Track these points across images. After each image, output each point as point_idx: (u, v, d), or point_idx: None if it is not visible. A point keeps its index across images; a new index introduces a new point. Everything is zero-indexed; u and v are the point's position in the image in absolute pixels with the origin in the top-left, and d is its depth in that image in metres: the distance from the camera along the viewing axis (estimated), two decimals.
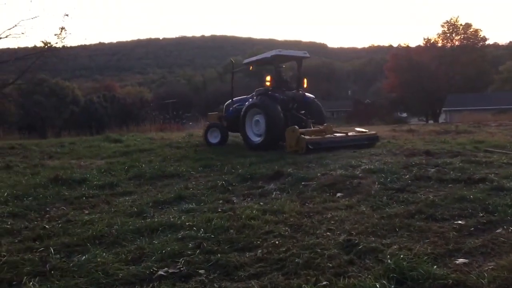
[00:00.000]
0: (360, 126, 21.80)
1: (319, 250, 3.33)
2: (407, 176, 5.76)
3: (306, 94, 11.56)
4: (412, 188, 5.18)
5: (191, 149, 11.15)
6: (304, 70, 12.12)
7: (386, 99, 58.55)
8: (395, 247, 3.34)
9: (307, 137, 9.47)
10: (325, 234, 3.74)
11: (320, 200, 4.98)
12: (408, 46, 61.67)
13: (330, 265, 3.06)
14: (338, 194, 5.20)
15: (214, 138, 12.03)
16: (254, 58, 12.59)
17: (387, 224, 3.91)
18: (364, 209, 4.47)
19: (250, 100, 11.38)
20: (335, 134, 10.35)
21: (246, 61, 12.96)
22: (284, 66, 12.20)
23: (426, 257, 3.07)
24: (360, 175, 6.01)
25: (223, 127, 12.25)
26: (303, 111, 11.20)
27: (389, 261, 2.99)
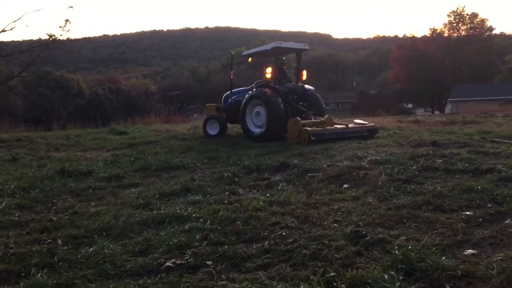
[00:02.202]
0: (365, 117, 21.74)
1: (326, 241, 3.32)
2: (414, 167, 5.73)
3: (306, 86, 11.60)
4: (419, 179, 5.16)
5: (196, 140, 11.14)
6: (308, 61, 12.34)
7: (392, 90, 58.29)
8: (403, 238, 3.32)
9: (309, 128, 9.53)
10: (332, 226, 3.73)
11: (327, 191, 4.97)
12: (413, 36, 61.31)
13: (338, 256, 3.05)
14: (345, 186, 5.19)
15: (213, 130, 12.04)
16: (254, 50, 12.63)
17: (394, 215, 3.89)
18: (371, 200, 4.46)
19: (250, 91, 11.39)
20: (335, 125, 10.48)
21: (245, 53, 12.92)
22: (284, 58, 12.19)
23: (434, 248, 3.06)
24: (366, 166, 5.98)
25: (221, 119, 12.24)
26: (302, 103, 11.27)
27: (397, 252, 2.98)
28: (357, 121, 11.61)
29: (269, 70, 11.20)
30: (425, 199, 4.29)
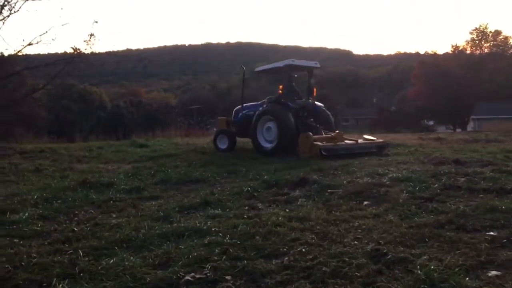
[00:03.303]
0: (385, 134, 21.56)
1: (346, 259, 3.29)
2: (436, 185, 5.65)
3: (316, 103, 11.89)
4: (441, 198, 5.08)
5: (215, 154, 11.21)
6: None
7: (412, 107, 57.73)
8: (425, 257, 3.27)
9: (320, 143, 9.75)
10: (352, 243, 3.69)
11: (347, 208, 4.93)
12: (435, 53, 60.76)
13: (358, 274, 3.02)
14: (365, 202, 5.14)
15: (222, 144, 12.26)
16: (267, 67, 12.92)
17: (416, 234, 3.83)
18: (392, 218, 4.40)
19: (262, 107, 11.66)
20: (346, 141, 10.66)
21: (258, 69, 13.30)
22: (296, 75, 12.58)
23: (457, 269, 3.00)
24: (387, 183, 5.93)
25: (231, 134, 12.46)
26: (312, 119, 11.55)
27: (419, 271, 2.93)
28: (366, 136, 11.80)
29: (281, 86, 11.52)
30: (448, 218, 4.22)
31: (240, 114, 12.62)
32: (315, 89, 12.07)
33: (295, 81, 12.43)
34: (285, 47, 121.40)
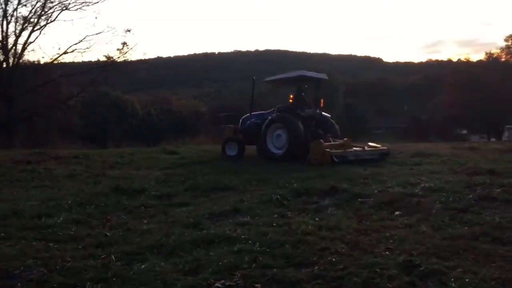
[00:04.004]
0: (417, 142, 21.19)
1: (378, 269, 3.24)
2: (470, 196, 5.52)
3: (323, 113, 12.53)
4: (476, 209, 4.97)
5: (245, 162, 11.24)
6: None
7: (445, 115, 56.54)
8: (459, 270, 3.20)
9: (331, 150, 10.25)
10: (384, 254, 3.63)
11: (378, 218, 4.86)
12: (468, 61, 59.47)
13: (390, 286, 2.98)
14: (397, 213, 5.06)
15: (232, 151, 12.54)
16: (279, 77, 13.37)
17: (450, 246, 3.75)
18: (425, 229, 4.32)
19: (272, 115, 12.04)
20: (353, 148, 11.17)
21: (268, 79, 13.62)
22: (306, 86, 13.03)
23: (493, 282, 2.94)
24: (419, 193, 5.83)
25: (240, 140, 12.78)
26: (319, 128, 12.05)
27: (453, 284, 2.88)
28: (370, 144, 12.21)
29: (291, 96, 12.21)
30: (483, 230, 4.11)
31: (248, 122, 13.02)
32: (322, 100, 12.66)
33: (305, 91, 12.86)
34: (313, 54, 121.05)
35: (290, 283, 3.12)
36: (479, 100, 49.72)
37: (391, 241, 3.98)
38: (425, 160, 10.33)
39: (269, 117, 11.97)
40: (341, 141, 11.27)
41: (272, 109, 12.75)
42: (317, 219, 4.88)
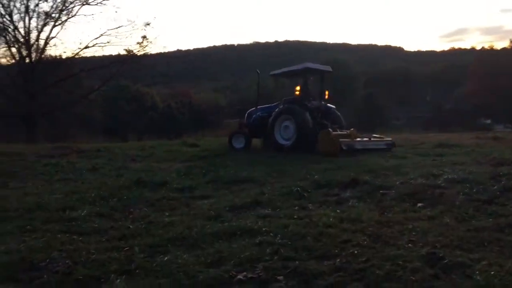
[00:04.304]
0: (439, 133, 20.86)
1: (400, 262, 3.21)
2: (495, 187, 5.41)
3: (328, 104, 12.84)
4: (501, 200, 4.87)
5: (265, 154, 11.24)
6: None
7: (468, 105, 55.51)
8: (484, 262, 3.15)
9: (341, 139, 10.61)
10: (406, 246, 3.60)
11: (400, 209, 4.81)
12: (492, 49, 58.17)
13: (414, 278, 2.95)
14: (419, 204, 5.00)
15: (238, 144, 12.78)
16: (284, 70, 13.54)
17: (474, 238, 3.70)
18: (448, 220, 4.26)
19: (279, 107, 12.33)
20: (359, 138, 11.48)
21: (273, 72, 13.80)
22: (312, 78, 13.32)
23: None
24: (442, 184, 5.74)
25: (247, 134, 13.06)
26: (324, 120, 12.27)
27: (478, 277, 2.83)
28: (375, 135, 12.56)
29: (298, 88, 12.35)
30: (508, 222, 4.04)
31: (254, 116, 13.30)
32: (327, 92, 12.91)
33: (310, 84, 13.15)
34: (333, 44, 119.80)
35: (312, 276, 3.11)
36: (503, 88, 48.69)
37: (414, 233, 3.93)
38: (448, 151, 10.20)
39: (277, 109, 12.22)
40: (347, 131, 11.53)
41: (278, 102, 13.02)
42: (338, 211, 4.85)
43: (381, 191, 5.71)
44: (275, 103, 13.17)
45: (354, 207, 5.03)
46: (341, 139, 10.61)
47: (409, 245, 3.62)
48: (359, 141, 11.21)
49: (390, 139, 12.03)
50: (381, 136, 12.33)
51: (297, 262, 3.33)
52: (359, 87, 62.83)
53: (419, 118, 58.47)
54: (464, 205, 4.75)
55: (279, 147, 11.75)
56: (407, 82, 71.07)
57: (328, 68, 13.39)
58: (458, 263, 3.15)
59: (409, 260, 3.24)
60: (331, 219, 4.41)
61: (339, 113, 12.90)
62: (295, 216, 4.67)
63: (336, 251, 3.56)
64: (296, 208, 5.14)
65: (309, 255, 3.51)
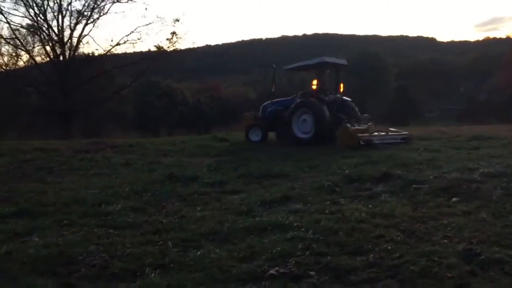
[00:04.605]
0: (474, 125, 20.32)
1: (436, 258, 3.16)
2: None
3: (344, 97, 12.84)
4: None
5: (295, 148, 11.20)
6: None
7: (504, 96, 53.80)
8: None
9: (359, 134, 10.79)
10: (441, 242, 3.54)
11: (434, 204, 4.72)
12: None
13: (450, 275, 2.90)
14: (454, 199, 4.89)
15: (255, 136, 13.02)
16: (300, 64, 13.65)
17: None
18: (485, 216, 4.16)
19: (296, 101, 12.44)
20: (378, 132, 11.64)
21: (289, 66, 14.15)
22: (328, 72, 13.36)
23: None
24: (478, 179, 5.61)
25: (263, 126, 13.18)
26: (341, 113, 12.28)
27: None
28: (391, 129, 12.57)
29: (315, 82, 12.60)
30: None
31: (269, 109, 13.38)
32: (342, 85, 13.06)
33: (327, 77, 13.31)
34: (363, 36, 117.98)
35: (344, 271, 3.10)
36: None
37: (449, 228, 3.86)
38: (484, 144, 9.93)
39: (295, 103, 12.30)
40: (366, 126, 11.73)
41: (293, 95, 13.16)
42: (370, 206, 4.80)
43: (414, 186, 5.61)
44: (290, 97, 13.29)
45: (387, 202, 4.97)
46: (359, 134, 10.81)
47: (445, 241, 3.56)
48: (376, 135, 11.33)
49: (407, 132, 12.09)
50: (398, 130, 12.42)
51: (329, 257, 3.32)
52: (391, 79, 61.80)
53: (452, 110, 57.14)
54: (501, 200, 4.63)
55: (297, 140, 11.86)
56: (440, 74, 69.45)
57: (343, 61, 13.55)
58: (495, 260, 3.08)
59: (444, 256, 3.18)
60: (363, 214, 4.37)
61: (355, 106, 12.92)
62: (327, 211, 4.65)
63: (369, 246, 3.53)
64: (328, 203, 5.11)
65: (341, 250, 3.49)
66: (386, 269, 3.09)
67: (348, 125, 11.28)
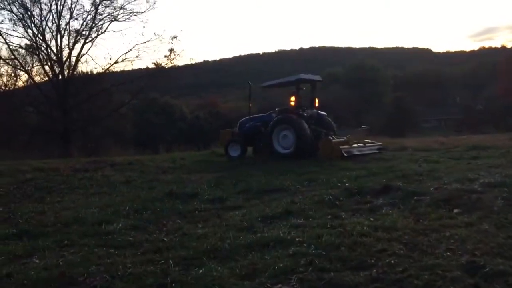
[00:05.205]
0: (471, 135, 20.38)
1: (439, 271, 3.14)
2: None
3: (319, 112, 13.32)
4: None
5: (294, 162, 11.17)
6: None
7: (501, 105, 53.98)
8: None
9: (341, 146, 11.33)
10: (445, 254, 3.51)
11: (436, 216, 4.69)
12: None
13: None
14: (456, 210, 4.88)
15: (234, 152, 13.15)
16: (278, 81, 14.03)
17: None
18: (487, 227, 4.13)
19: (275, 117, 12.71)
20: (355, 144, 12.18)
21: (266, 84, 14.45)
22: (304, 88, 13.56)
23: None
24: (479, 189, 5.59)
25: (241, 142, 13.34)
26: (318, 127, 12.74)
27: None
28: (366, 140, 13.18)
29: (293, 98, 12.75)
30: None
31: (247, 125, 13.62)
32: (317, 100, 13.47)
33: (302, 93, 13.53)
34: (359, 49, 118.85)
35: (348, 287, 3.07)
36: None
37: (451, 241, 3.84)
38: (483, 154, 9.95)
39: (275, 119, 12.61)
40: (344, 138, 12.34)
41: (270, 111, 13.60)
42: (372, 219, 4.78)
43: (415, 198, 5.59)
44: (267, 113, 13.73)
45: (388, 215, 4.94)
46: (341, 146, 11.34)
47: (448, 253, 3.54)
48: (356, 147, 11.94)
49: (380, 143, 12.95)
50: (373, 141, 13.07)
51: (332, 273, 3.29)
52: (388, 91, 62.04)
53: (449, 120, 57.27)
54: (503, 210, 4.61)
55: (278, 155, 12.12)
56: (436, 84, 69.81)
57: (318, 77, 13.91)
58: (499, 272, 3.06)
59: (448, 269, 3.16)
60: (365, 228, 4.34)
61: (330, 120, 13.48)
62: (328, 226, 4.62)
63: (372, 261, 3.50)
64: (329, 217, 5.09)
65: (344, 265, 3.47)
66: (389, 283, 3.07)
67: (330, 137, 11.88)
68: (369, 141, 13.11)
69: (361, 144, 12.33)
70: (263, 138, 12.78)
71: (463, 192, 5.51)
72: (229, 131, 14.56)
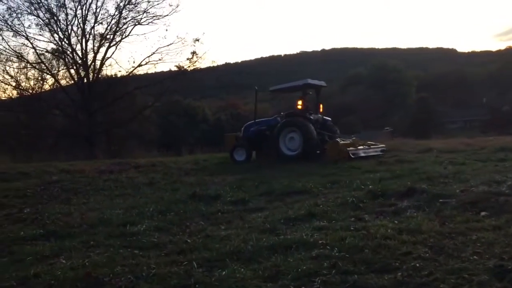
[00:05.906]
0: (498, 136, 19.92)
1: (466, 275, 3.08)
2: None
3: (324, 117, 13.65)
4: None
5: (316, 164, 11.15)
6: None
7: None
8: None
9: (347, 148, 11.76)
10: (471, 258, 3.45)
11: (462, 219, 4.61)
12: None
13: None
14: (482, 213, 4.78)
15: (240, 156, 13.13)
16: (284, 86, 14.29)
17: None
18: None
19: (282, 120, 13.00)
20: (360, 146, 12.55)
21: (274, 88, 14.78)
22: (310, 93, 14.02)
23: None
24: (506, 191, 5.47)
25: (248, 146, 13.37)
26: (323, 131, 13.10)
27: None
28: (369, 142, 13.49)
29: (300, 102, 13.20)
30: None
31: (252, 129, 13.80)
32: (321, 105, 13.85)
33: (308, 98, 13.94)
34: (382, 50, 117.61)
35: None
36: None
37: (478, 244, 3.77)
38: (511, 155, 9.71)
39: (282, 121, 12.90)
40: (350, 140, 12.88)
41: (275, 116, 14.08)
42: (396, 222, 4.72)
43: (440, 200, 5.50)
44: (272, 117, 14.15)
45: (413, 218, 4.87)
46: (348, 148, 11.74)
47: (474, 257, 3.47)
48: (361, 148, 12.33)
49: (383, 145, 13.50)
50: (376, 143, 13.50)
51: (356, 276, 3.26)
52: (411, 92, 61.19)
53: (475, 121, 56.20)
54: None
55: (284, 157, 12.29)
56: (462, 85, 68.61)
57: (323, 83, 14.15)
58: None
59: (475, 273, 3.11)
60: (389, 231, 4.29)
61: (334, 125, 13.83)
62: (352, 228, 4.58)
63: (397, 264, 3.46)
64: (352, 219, 5.05)
65: (368, 268, 3.43)
66: (415, 287, 3.03)
67: (338, 140, 12.30)
68: (373, 143, 13.46)
69: (366, 146, 12.71)
70: (269, 141, 13.01)
71: (490, 194, 5.39)
72: (233, 135, 14.68)
